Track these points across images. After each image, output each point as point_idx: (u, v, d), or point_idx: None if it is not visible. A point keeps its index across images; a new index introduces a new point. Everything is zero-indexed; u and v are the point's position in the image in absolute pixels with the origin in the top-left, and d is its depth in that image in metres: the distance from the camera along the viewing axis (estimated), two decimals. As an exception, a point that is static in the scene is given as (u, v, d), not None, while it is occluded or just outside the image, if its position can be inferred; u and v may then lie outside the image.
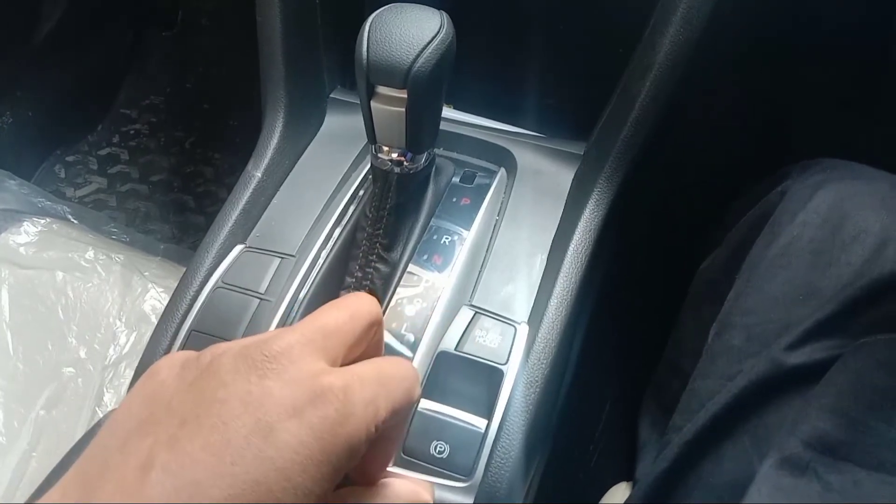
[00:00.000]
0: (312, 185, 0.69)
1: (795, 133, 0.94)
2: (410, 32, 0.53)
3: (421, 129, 0.58)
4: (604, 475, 0.97)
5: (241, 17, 0.72)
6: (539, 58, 0.75)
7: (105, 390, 0.81)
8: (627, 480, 0.84)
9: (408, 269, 0.63)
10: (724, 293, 0.66)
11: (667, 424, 0.66)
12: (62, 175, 1.53)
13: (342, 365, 0.35)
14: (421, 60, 0.52)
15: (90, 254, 0.89)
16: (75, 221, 1.03)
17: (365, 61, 0.53)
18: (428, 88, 0.54)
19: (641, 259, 1.01)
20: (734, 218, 0.73)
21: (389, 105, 0.55)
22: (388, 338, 0.59)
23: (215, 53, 1.67)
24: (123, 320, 0.85)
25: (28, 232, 0.91)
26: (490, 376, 0.56)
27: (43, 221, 0.93)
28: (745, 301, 0.62)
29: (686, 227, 0.91)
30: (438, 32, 0.53)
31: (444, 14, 0.55)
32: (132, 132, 1.61)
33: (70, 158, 1.56)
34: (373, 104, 0.56)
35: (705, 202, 0.85)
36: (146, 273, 0.88)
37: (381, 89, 0.55)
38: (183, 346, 0.60)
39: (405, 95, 0.54)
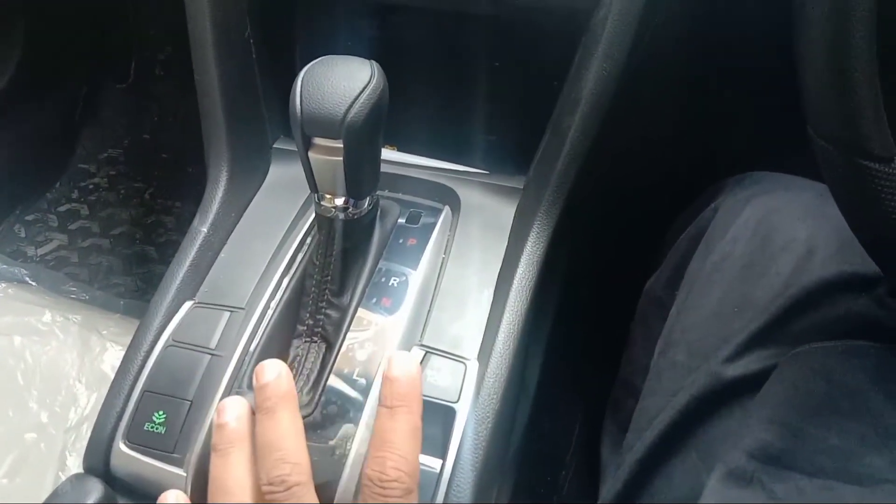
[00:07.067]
0: (259, 236, 0.70)
1: (731, 148, 0.97)
2: (342, 84, 0.54)
3: (360, 176, 0.59)
4: (578, 498, 0.98)
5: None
6: (476, 96, 0.77)
7: (68, 454, 0.80)
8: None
9: (357, 314, 0.63)
10: (669, 309, 0.68)
11: (623, 444, 0.67)
12: (22, 234, 1.52)
13: None
14: (354, 111, 0.53)
15: (47, 316, 0.89)
16: (32, 283, 1.03)
17: (299, 114, 0.54)
18: (363, 137, 0.55)
19: (592, 281, 1.03)
20: (674, 235, 0.75)
21: (326, 155, 0.56)
22: (340, 384, 0.59)
23: (170, 102, 1.67)
24: (83, 381, 0.84)
25: (-17, 299, 0.91)
26: (443, 415, 0.57)
27: (-2, 287, 0.93)
28: (685, 318, 0.64)
29: (634, 245, 0.93)
30: (369, 82, 0.54)
31: (375, 63, 0.56)
32: (91, 186, 1.61)
33: (29, 217, 1.55)
34: (310, 155, 0.57)
35: (649, 220, 0.87)
36: (104, 332, 0.88)
37: (318, 140, 0.56)
38: (136, 407, 0.60)
39: (341, 145, 0.55)
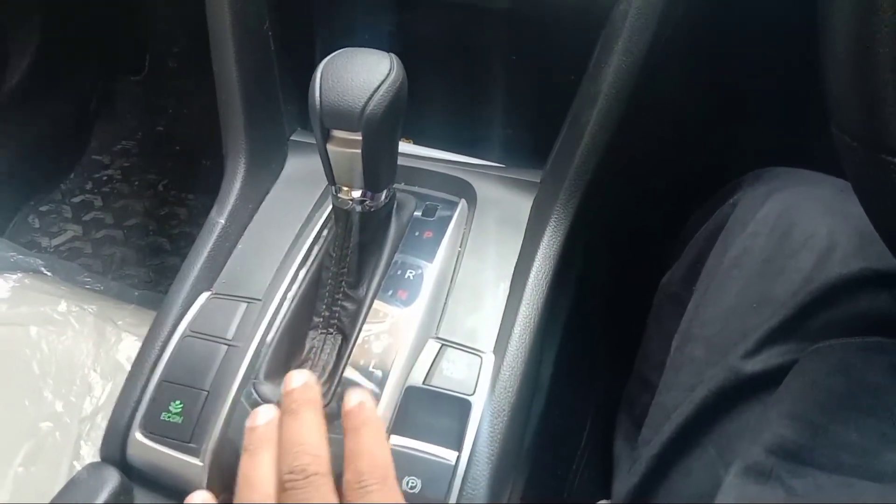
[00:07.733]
0: (276, 228, 0.70)
1: (746, 147, 0.96)
2: (361, 76, 0.54)
3: (378, 169, 0.59)
4: (588, 493, 0.98)
5: (208, 58, 0.73)
6: (494, 89, 0.77)
7: (83, 443, 0.80)
8: (608, 498, 0.84)
9: (373, 306, 0.63)
10: (686, 305, 0.67)
11: (639, 439, 0.67)
12: (36, 225, 1.53)
13: None
14: (373, 103, 0.53)
15: (63, 306, 0.89)
16: (48, 274, 1.03)
17: (318, 106, 0.54)
18: (381, 129, 0.55)
19: (608, 276, 1.02)
20: (692, 230, 0.75)
21: (345, 147, 0.56)
22: (356, 375, 0.59)
23: (184, 95, 1.68)
24: (98, 371, 0.85)
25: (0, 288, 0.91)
26: (458, 408, 0.57)
27: (15, 276, 0.93)
28: (703, 313, 0.63)
29: (649, 241, 0.93)
30: (389, 75, 0.54)
31: (394, 56, 0.56)
32: (105, 178, 1.61)
33: (44, 208, 1.56)
34: (329, 147, 0.57)
35: (665, 216, 0.87)
36: (119, 322, 0.88)
37: (336, 133, 0.56)
38: (153, 397, 0.60)
39: (360, 137, 0.55)
